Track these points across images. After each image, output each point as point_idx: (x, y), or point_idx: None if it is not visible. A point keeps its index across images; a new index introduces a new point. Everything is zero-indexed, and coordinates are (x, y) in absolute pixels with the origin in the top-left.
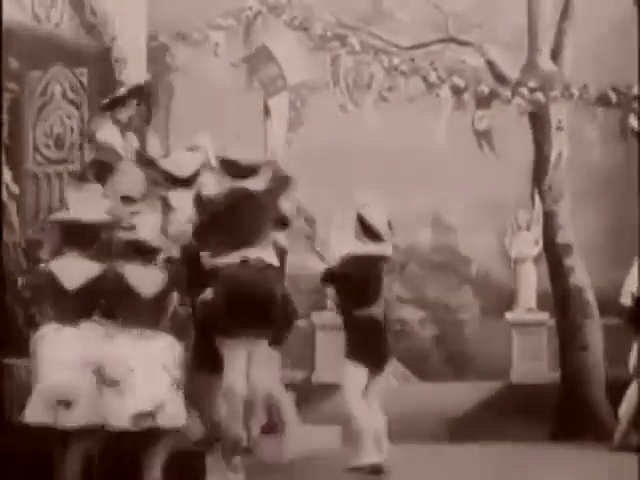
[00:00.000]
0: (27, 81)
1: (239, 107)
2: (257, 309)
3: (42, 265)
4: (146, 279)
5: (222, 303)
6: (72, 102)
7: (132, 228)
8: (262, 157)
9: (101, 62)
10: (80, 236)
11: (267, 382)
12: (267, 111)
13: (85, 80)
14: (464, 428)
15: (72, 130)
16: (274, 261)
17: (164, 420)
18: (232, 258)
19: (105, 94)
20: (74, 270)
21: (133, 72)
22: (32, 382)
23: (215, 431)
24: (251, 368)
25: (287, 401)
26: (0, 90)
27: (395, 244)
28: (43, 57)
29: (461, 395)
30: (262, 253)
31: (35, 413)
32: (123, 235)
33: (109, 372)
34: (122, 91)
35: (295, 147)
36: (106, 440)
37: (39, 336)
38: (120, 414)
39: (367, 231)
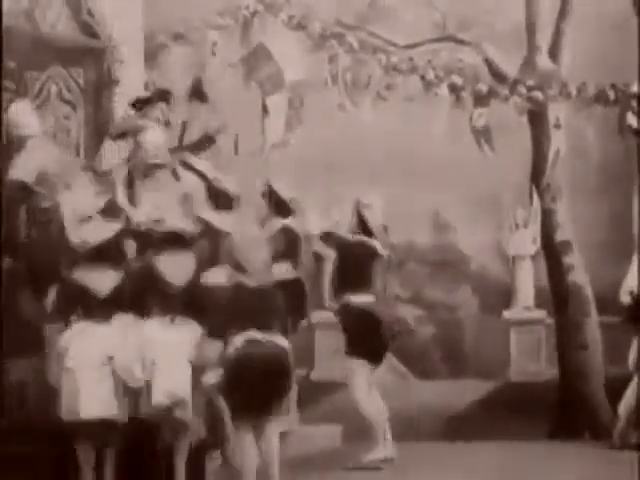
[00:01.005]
0: (24, 81)
1: (237, 106)
2: (264, 390)
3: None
4: (178, 268)
5: (229, 389)
6: (68, 102)
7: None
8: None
9: (98, 62)
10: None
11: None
12: (265, 110)
13: (82, 80)
14: (462, 426)
15: (69, 131)
16: (284, 343)
17: (186, 411)
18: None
19: (102, 94)
20: (103, 276)
21: (131, 72)
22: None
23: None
24: (262, 440)
25: None
26: (0, 90)
27: (393, 242)
28: (40, 57)
29: (459, 393)
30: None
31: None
32: (156, 227)
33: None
34: (147, 94)
35: (293, 146)
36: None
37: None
38: (149, 402)
39: (362, 227)
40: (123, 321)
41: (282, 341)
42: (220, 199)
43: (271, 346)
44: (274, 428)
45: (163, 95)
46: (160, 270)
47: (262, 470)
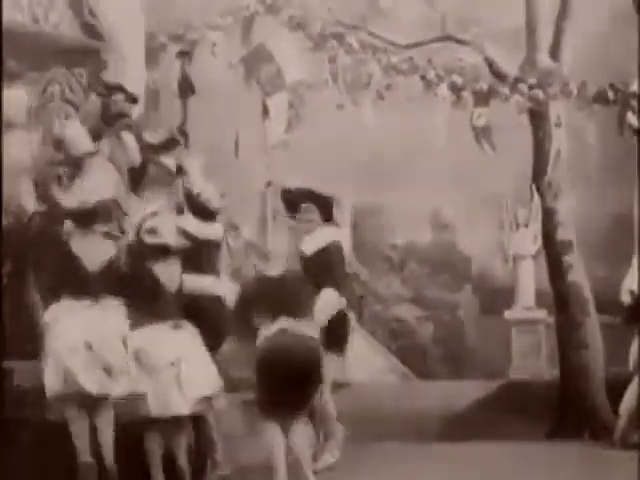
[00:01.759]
0: (26, 81)
1: (237, 106)
2: (294, 386)
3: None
4: (169, 276)
5: (258, 381)
6: (71, 103)
7: (153, 231)
8: None
9: (100, 63)
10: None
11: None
12: (265, 110)
13: (84, 81)
14: (463, 426)
15: None
16: (315, 334)
17: (220, 403)
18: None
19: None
20: (95, 250)
21: (132, 72)
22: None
23: None
24: (292, 435)
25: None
26: (0, 90)
27: (394, 243)
28: (42, 58)
29: (460, 393)
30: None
31: (87, 381)
32: (148, 239)
33: (146, 361)
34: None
35: (293, 146)
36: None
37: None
38: (180, 401)
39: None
40: (109, 307)
41: (313, 331)
42: (203, 211)
43: (301, 337)
44: (305, 425)
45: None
46: (157, 277)
47: (294, 467)
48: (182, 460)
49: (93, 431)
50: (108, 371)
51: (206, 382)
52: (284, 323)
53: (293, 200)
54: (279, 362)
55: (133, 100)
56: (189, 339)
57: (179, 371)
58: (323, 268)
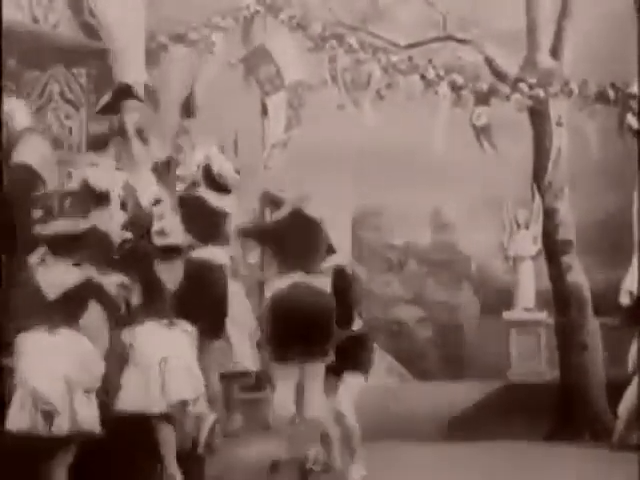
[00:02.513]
0: (25, 81)
1: (237, 106)
2: (307, 331)
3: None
4: (172, 274)
5: (271, 326)
6: (70, 102)
7: (163, 233)
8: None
9: (100, 63)
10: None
11: (322, 410)
12: (265, 110)
13: (84, 80)
14: (463, 428)
15: (70, 130)
16: (327, 288)
17: (201, 407)
18: (283, 282)
19: (104, 95)
20: (55, 278)
21: (132, 72)
22: (15, 386)
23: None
24: (305, 393)
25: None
26: (0, 90)
27: (393, 243)
28: (41, 57)
29: (459, 395)
30: (314, 279)
31: (18, 420)
32: (157, 240)
33: (137, 358)
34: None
35: (293, 146)
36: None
37: (23, 340)
38: (160, 401)
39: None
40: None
41: (325, 285)
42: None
43: (314, 291)
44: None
45: (123, 91)
46: (160, 276)
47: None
48: (172, 464)
49: None
50: None
51: (188, 385)
52: (297, 276)
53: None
54: (293, 309)
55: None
56: (180, 339)
57: (164, 370)
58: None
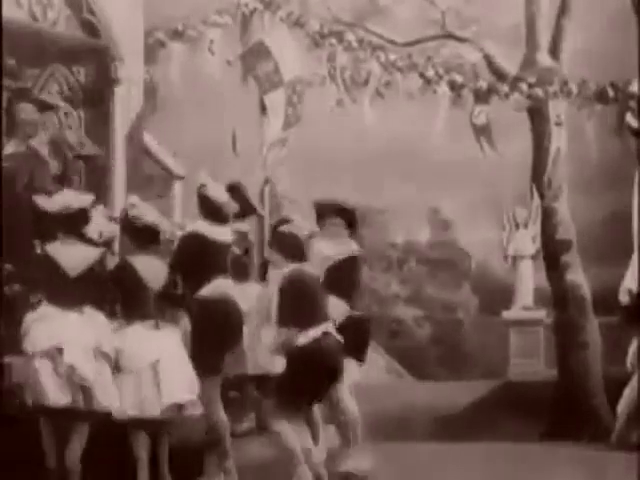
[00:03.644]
0: (24, 78)
1: (235, 104)
2: (327, 384)
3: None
4: (153, 272)
5: (297, 379)
6: (69, 100)
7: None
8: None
9: (99, 61)
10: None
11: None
12: (263, 108)
13: (82, 78)
14: (461, 426)
15: (69, 127)
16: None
17: (194, 410)
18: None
19: (103, 93)
20: (75, 255)
21: (130, 69)
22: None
23: (214, 433)
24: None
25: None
26: (0, 88)
27: (393, 241)
28: (41, 55)
29: (458, 393)
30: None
31: (58, 395)
32: (135, 222)
33: (127, 362)
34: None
35: (292, 143)
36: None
37: (38, 317)
38: (154, 404)
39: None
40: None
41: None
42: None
43: (333, 341)
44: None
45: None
46: (137, 270)
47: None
48: (163, 467)
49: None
50: None
51: (182, 387)
52: (324, 326)
53: (319, 213)
54: (318, 363)
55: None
56: (169, 340)
57: (157, 373)
58: (345, 276)
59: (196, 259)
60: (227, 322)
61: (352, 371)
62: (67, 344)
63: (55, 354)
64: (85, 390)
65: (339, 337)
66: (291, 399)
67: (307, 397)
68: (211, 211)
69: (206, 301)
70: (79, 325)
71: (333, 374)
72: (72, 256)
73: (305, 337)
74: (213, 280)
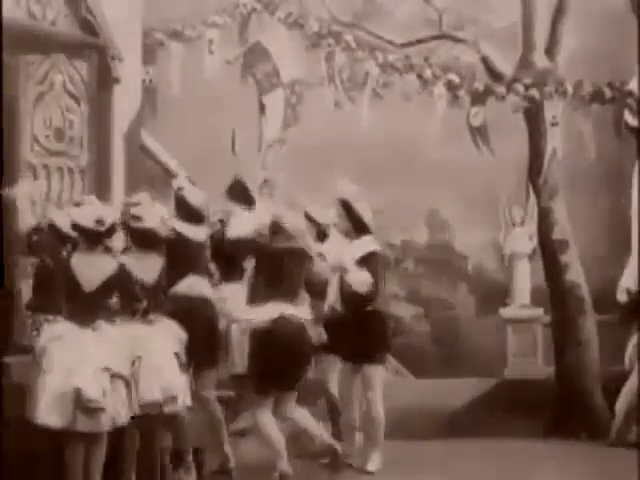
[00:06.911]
0: (23, 66)
1: (234, 104)
2: (291, 367)
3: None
4: (147, 267)
5: (256, 361)
6: (72, 95)
7: (139, 219)
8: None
9: (98, 60)
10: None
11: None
12: (262, 108)
13: (84, 73)
14: (459, 425)
15: (72, 123)
16: (308, 316)
17: (175, 406)
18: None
19: (102, 92)
20: (92, 268)
21: (129, 69)
22: (38, 381)
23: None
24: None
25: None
26: (0, 86)
27: (390, 241)
28: (40, 51)
29: (456, 392)
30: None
31: (50, 415)
32: (133, 223)
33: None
34: None
35: (290, 144)
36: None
37: (54, 335)
38: (134, 402)
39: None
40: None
41: (306, 314)
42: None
43: (296, 322)
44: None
45: None
46: (132, 269)
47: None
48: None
49: None
50: None
51: (163, 384)
52: (282, 307)
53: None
54: (280, 343)
55: None
56: (156, 336)
57: (138, 369)
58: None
59: (172, 255)
60: (200, 320)
61: (382, 373)
62: (79, 365)
63: (67, 375)
64: (92, 411)
65: (301, 319)
66: (257, 382)
67: (273, 381)
68: (188, 212)
69: (178, 297)
70: (93, 344)
71: (296, 357)
72: (90, 270)
73: (256, 314)
74: (187, 277)
